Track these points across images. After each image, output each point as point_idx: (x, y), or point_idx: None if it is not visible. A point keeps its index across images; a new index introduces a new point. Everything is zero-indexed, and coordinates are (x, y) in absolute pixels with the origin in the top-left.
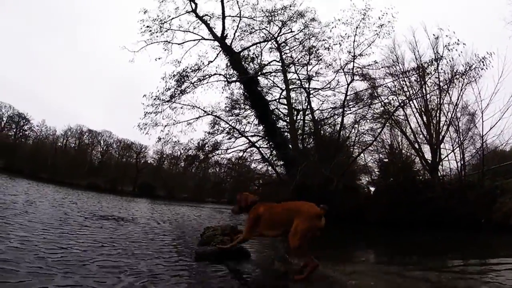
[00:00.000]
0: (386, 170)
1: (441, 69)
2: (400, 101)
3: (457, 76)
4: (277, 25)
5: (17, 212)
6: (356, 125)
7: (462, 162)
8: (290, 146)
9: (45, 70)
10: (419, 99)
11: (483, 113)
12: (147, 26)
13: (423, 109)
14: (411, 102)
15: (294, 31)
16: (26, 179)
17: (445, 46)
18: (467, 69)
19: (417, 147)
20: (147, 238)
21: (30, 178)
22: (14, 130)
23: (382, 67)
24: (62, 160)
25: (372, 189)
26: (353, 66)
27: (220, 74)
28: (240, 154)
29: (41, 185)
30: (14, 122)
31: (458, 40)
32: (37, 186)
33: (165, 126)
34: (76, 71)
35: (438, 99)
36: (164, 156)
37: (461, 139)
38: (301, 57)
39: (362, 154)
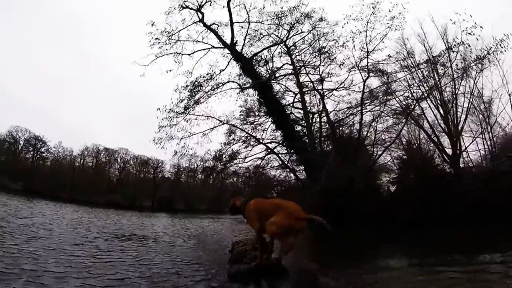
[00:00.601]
0: (408, 167)
1: (455, 57)
2: (417, 95)
3: (477, 61)
4: (285, 29)
5: (31, 236)
6: (374, 123)
7: (493, 150)
8: (309, 150)
9: (58, 93)
10: (430, 90)
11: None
12: (156, 38)
13: (439, 101)
14: (425, 94)
15: (302, 33)
16: (45, 200)
17: (463, 30)
18: (485, 54)
19: (436, 140)
20: (173, 258)
21: (49, 198)
22: (32, 153)
23: (396, 61)
24: (81, 179)
25: (392, 188)
26: (367, 63)
27: (233, 82)
28: (258, 162)
29: (60, 205)
30: (31, 145)
31: (475, 23)
32: (55, 207)
33: (181, 139)
34: (89, 92)
35: (453, 89)
36: (181, 169)
37: (487, 127)
38: (312, 59)
39: (379, 153)
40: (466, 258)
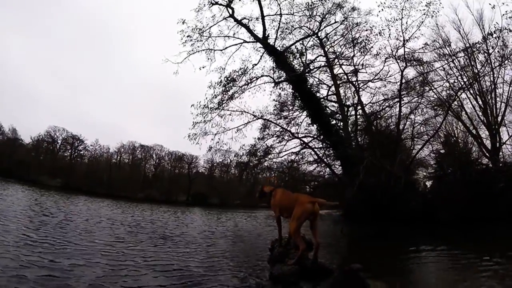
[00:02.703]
0: (447, 161)
1: (496, 43)
2: (456, 85)
3: None
4: (316, 21)
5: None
6: (412, 116)
7: None
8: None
9: (94, 93)
10: (471, 80)
11: None
12: (188, 36)
13: (477, 91)
14: (463, 84)
15: (334, 24)
16: (84, 196)
17: (503, 15)
18: None
19: (475, 132)
20: (211, 256)
21: (88, 194)
22: (70, 151)
23: (433, 50)
24: (117, 176)
25: (428, 183)
26: (404, 52)
27: (267, 76)
28: (292, 157)
29: (98, 200)
30: (69, 143)
31: None
32: (91, 204)
33: (215, 134)
34: (124, 91)
35: (492, 78)
36: (215, 164)
37: None
38: (345, 50)
39: (416, 147)
40: None
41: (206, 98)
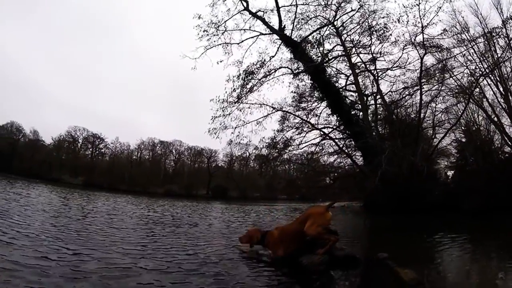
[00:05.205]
0: (469, 150)
1: None
2: (475, 72)
3: None
4: (332, 10)
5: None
6: (433, 104)
7: None
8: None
9: (113, 92)
10: (492, 66)
11: None
12: (204, 31)
13: (498, 77)
14: (483, 71)
15: (350, 13)
16: (106, 192)
17: None
18: None
19: (497, 120)
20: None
21: (110, 191)
22: (91, 150)
23: (452, 36)
24: (138, 172)
25: (450, 173)
26: (423, 38)
27: (285, 67)
28: (312, 148)
29: (121, 196)
30: (89, 142)
31: None
32: (116, 199)
33: (235, 128)
34: (142, 89)
35: None
36: (234, 158)
37: None
38: (363, 38)
39: (437, 135)
40: None
41: (226, 92)
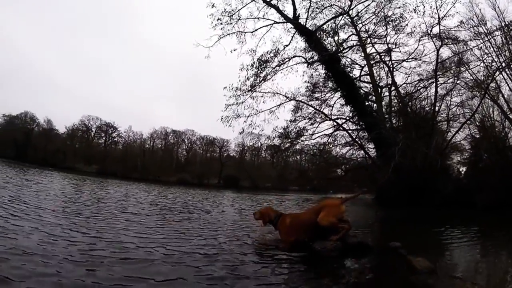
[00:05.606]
0: (483, 146)
1: None
2: (492, 66)
3: None
4: None
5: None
6: (448, 97)
7: None
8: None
9: (126, 83)
10: (508, 61)
11: None
12: (218, 19)
13: None
14: (499, 65)
15: (366, 2)
16: (119, 180)
17: None
18: None
19: None
20: (248, 232)
21: (123, 179)
22: (104, 138)
23: (468, 28)
24: (151, 160)
25: (462, 169)
26: (440, 29)
27: (299, 56)
28: (325, 139)
29: (134, 184)
30: (103, 131)
31: None
32: (129, 186)
33: (248, 116)
34: (155, 78)
35: None
36: (246, 148)
37: None
38: (378, 28)
39: (451, 130)
40: None
41: (239, 80)
